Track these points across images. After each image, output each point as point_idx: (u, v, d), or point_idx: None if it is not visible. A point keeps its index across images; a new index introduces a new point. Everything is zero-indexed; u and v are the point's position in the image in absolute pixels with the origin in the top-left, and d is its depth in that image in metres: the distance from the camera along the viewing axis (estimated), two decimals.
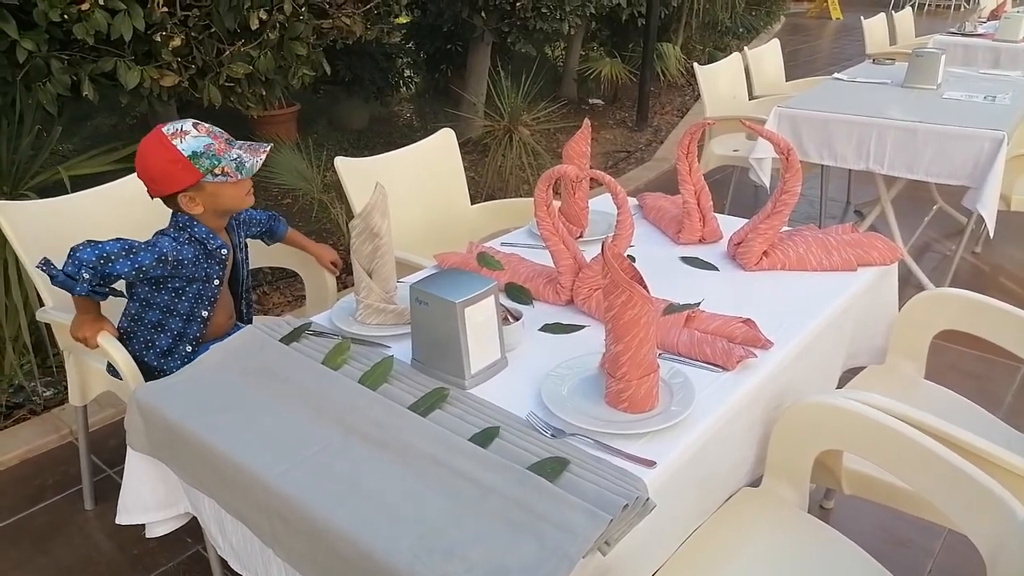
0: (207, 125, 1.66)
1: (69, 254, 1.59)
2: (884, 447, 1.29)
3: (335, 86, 5.28)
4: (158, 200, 1.71)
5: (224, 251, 1.76)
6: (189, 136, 1.62)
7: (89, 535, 2.07)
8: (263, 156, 1.68)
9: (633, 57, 6.77)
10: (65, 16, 2.32)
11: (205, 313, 1.79)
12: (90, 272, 1.58)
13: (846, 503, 2.11)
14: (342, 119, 5.54)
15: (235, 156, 1.65)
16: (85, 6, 2.32)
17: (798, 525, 1.42)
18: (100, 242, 1.61)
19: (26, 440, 2.41)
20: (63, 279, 1.60)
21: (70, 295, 1.66)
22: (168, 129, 1.62)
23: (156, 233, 1.71)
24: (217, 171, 1.64)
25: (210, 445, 1.24)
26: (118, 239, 1.63)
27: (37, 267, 1.64)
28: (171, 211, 1.72)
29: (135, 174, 1.93)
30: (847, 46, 10.21)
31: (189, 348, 1.80)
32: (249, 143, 1.69)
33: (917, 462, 1.25)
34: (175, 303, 1.75)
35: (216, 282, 1.78)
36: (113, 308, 1.80)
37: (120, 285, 1.72)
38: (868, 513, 2.06)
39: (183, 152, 1.61)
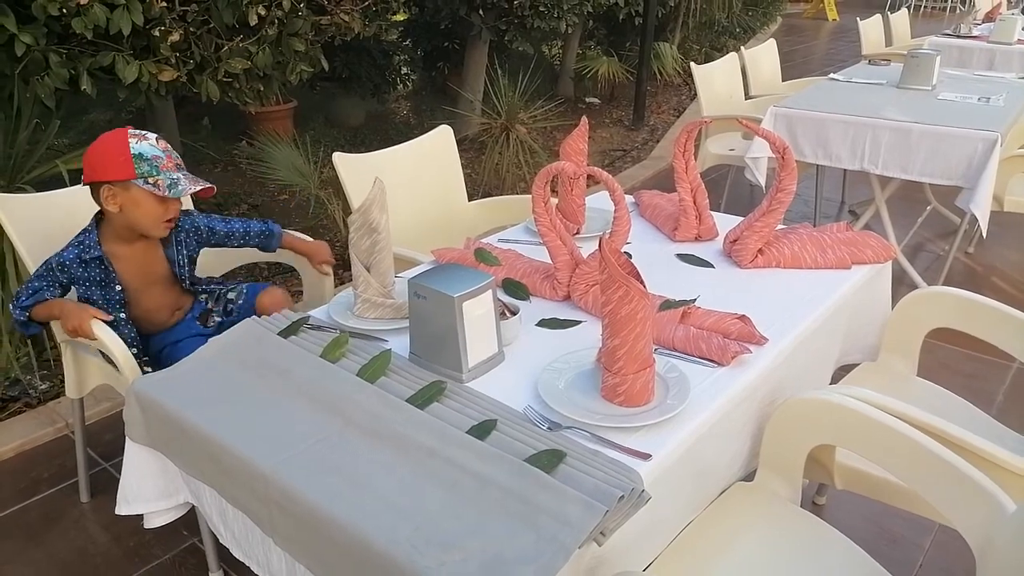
0: (166, 144, 1.75)
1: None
2: (877, 442, 1.31)
3: (332, 83, 5.28)
4: None
5: (105, 262, 1.79)
6: (146, 142, 1.70)
7: (84, 528, 2.08)
8: (197, 188, 1.73)
9: (630, 56, 6.79)
10: (64, 10, 2.32)
11: (123, 315, 1.83)
12: (11, 306, 1.79)
13: (838, 500, 2.12)
14: (339, 116, 5.54)
15: (174, 177, 1.71)
16: (84, 0, 2.32)
17: (791, 519, 1.44)
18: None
19: (22, 433, 2.41)
20: (17, 327, 1.81)
21: (47, 317, 1.81)
22: (134, 130, 1.70)
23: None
24: (151, 180, 1.69)
25: (209, 436, 1.25)
26: (42, 266, 1.80)
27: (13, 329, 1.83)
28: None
29: None
30: (843, 47, 10.24)
31: (134, 350, 1.80)
32: (194, 176, 1.76)
33: (909, 457, 1.27)
34: (97, 307, 1.81)
35: (118, 288, 1.82)
36: None
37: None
38: (860, 510, 2.08)
39: (132, 149, 1.67)
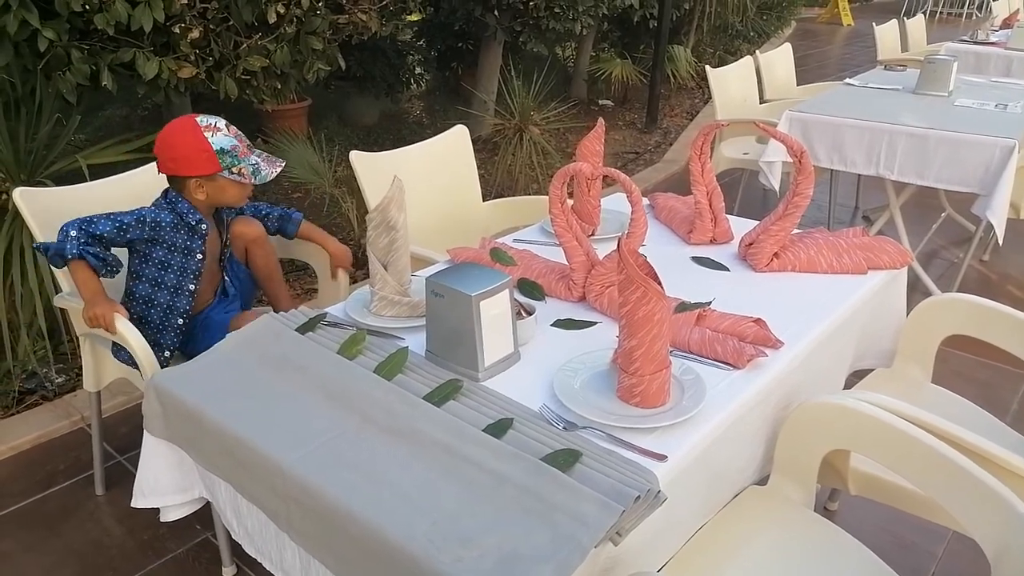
0: (234, 128, 1.81)
1: (59, 231, 1.71)
2: (892, 448, 1.31)
3: (346, 82, 5.30)
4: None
5: (204, 226, 1.85)
6: (220, 133, 1.77)
7: (100, 520, 2.09)
8: (278, 170, 1.83)
9: (644, 59, 6.78)
10: (86, 6, 2.35)
11: (192, 287, 1.87)
12: (76, 230, 1.70)
13: (850, 507, 2.12)
14: (352, 115, 5.56)
15: (254, 162, 1.81)
16: None
17: (804, 523, 1.44)
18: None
19: (38, 425, 2.43)
20: (55, 247, 1.70)
21: (74, 280, 1.75)
22: (202, 120, 1.76)
23: None
24: (235, 170, 1.79)
25: (227, 430, 1.26)
26: (128, 214, 1.77)
27: (34, 247, 1.74)
28: (163, 190, 1.84)
29: (151, 164, 1.97)
30: (858, 52, 10.20)
31: (180, 321, 1.88)
32: (266, 154, 1.84)
33: (924, 463, 1.26)
34: (162, 275, 1.84)
35: (199, 256, 1.86)
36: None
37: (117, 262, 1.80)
38: (871, 517, 2.08)
39: (213, 145, 1.75)
